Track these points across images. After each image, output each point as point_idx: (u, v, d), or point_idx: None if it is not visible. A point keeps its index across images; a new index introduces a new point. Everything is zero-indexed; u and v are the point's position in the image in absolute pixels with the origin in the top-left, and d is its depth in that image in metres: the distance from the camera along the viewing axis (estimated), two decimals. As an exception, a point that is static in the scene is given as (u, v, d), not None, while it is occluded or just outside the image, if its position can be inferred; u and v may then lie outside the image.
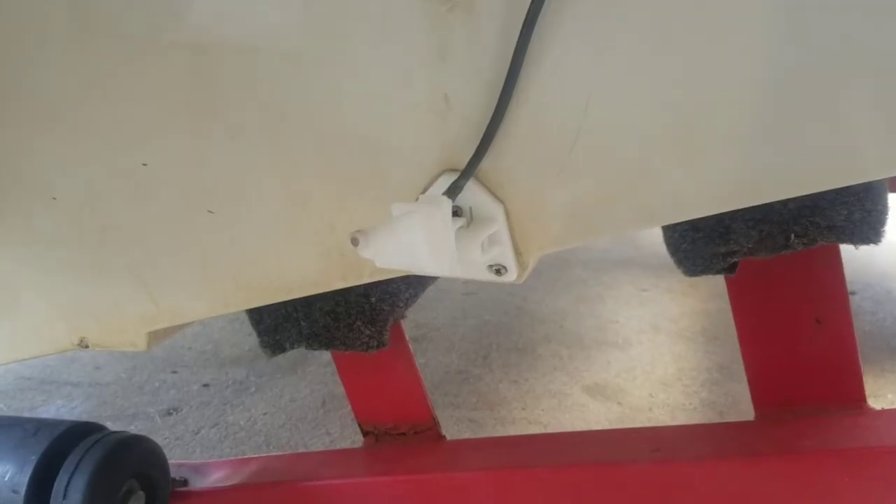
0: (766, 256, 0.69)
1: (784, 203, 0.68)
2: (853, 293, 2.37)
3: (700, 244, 0.71)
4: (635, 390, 1.90)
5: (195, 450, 1.61)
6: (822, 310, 0.76)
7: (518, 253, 0.62)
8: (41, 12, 0.64)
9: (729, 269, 0.73)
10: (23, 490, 0.79)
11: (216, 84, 0.63)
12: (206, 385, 1.90)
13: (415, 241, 0.53)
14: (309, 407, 1.78)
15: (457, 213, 0.61)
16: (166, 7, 0.61)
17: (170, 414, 1.78)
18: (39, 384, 1.94)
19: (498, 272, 0.63)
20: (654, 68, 0.53)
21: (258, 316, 0.88)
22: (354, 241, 0.44)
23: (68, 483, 0.79)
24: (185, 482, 1.00)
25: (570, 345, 2.19)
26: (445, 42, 0.56)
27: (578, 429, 1.69)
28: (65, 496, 0.78)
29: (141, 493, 0.86)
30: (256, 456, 1.03)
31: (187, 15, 0.60)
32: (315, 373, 1.97)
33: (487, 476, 0.82)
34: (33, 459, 0.80)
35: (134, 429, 1.72)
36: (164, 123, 0.65)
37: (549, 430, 1.70)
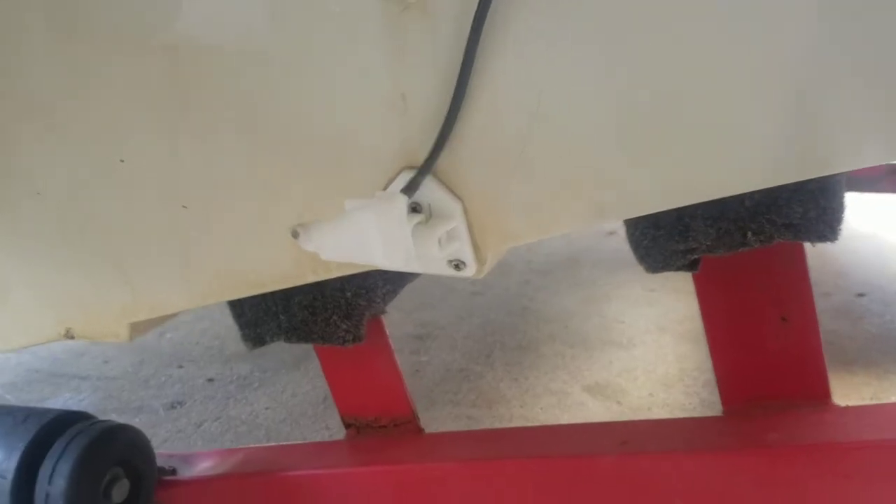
0: (724, 253, 0.70)
1: (741, 201, 0.69)
2: (862, 295, 2.35)
3: (660, 241, 0.72)
4: (636, 390, 1.90)
5: (197, 442, 1.64)
6: (787, 308, 0.76)
7: (476, 248, 0.64)
8: (21, 12, 0.67)
9: (690, 266, 0.74)
10: (10, 476, 0.82)
11: (187, 83, 0.65)
12: (210, 380, 1.94)
13: (366, 236, 0.54)
14: (309, 402, 1.80)
15: (416, 209, 0.62)
16: (138, 7, 0.63)
17: (174, 407, 1.81)
18: (49, 377, 1.99)
19: (457, 267, 0.65)
20: (601, 69, 0.55)
21: (240, 309, 0.90)
22: (295, 234, 0.46)
23: (53, 469, 0.82)
24: (173, 471, 1.03)
25: (573, 344, 2.19)
26: (402, 43, 0.58)
27: (575, 427, 1.70)
28: (50, 481, 0.81)
29: (125, 480, 0.88)
30: (243, 447, 1.05)
31: (156, 15, 0.62)
32: (317, 369, 1.98)
33: (461, 467, 0.84)
34: (21, 446, 0.83)
35: (138, 421, 1.76)
36: (138, 121, 0.68)
37: (544, 427, 1.71)
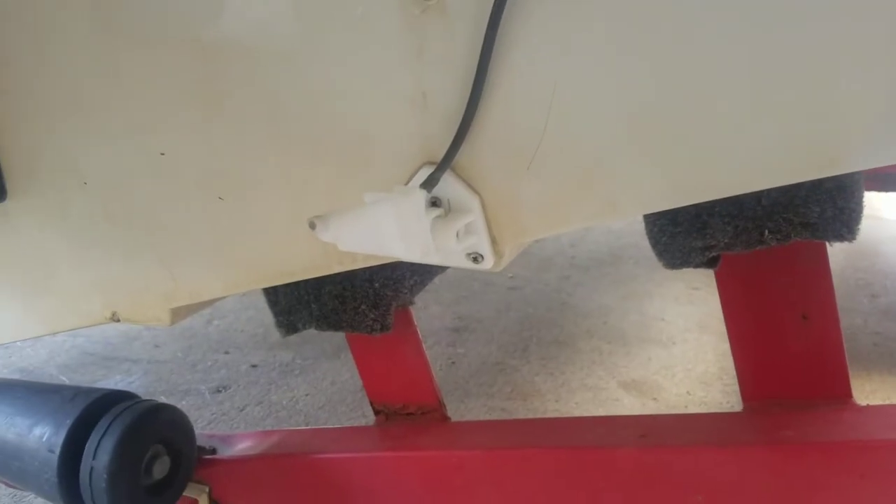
0: (742, 251, 0.71)
1: (758, 199, 0.69)
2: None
3: (679, 238, 0.73)
4: (673, 387, 1.89)
5: (239, 425, 1.71)
6: (808, 306, 0.76)
7: (494, 242, 0.66)
8: (66, 10, 0.71)
9: (709, 263, 0.75)
10: (58, 450, 0.86)
11: (220, 80, 0.69)
12: (254, 366, 2.00)
13: (384, 228, 0.57)
14: (348, 390, 1.85)
15: (435, 203, 0.65)
16: (174, 7, 0.67)
17: (219, 391, 1.88)
18: (102, 360, 2.09)
19: (475, 260, 0.67)
20: (615, 65, 0.56)
21: (274, 297, 0.94)
22: (312, 225, 0.49)
23: (98, 445, 0.86)
24: (213, 451, 1.08)
25: (611, 340, 2.19)
26: (421, 42, 0.60)
27: (609, 422, 1.70)
28: (94, 456, 0.86)
29: (166, 457, 0.93)
30: (279, 430, 1.10)
31: (191, 14, 0.66)
32: (356, 359, 2.04)
33: (482, 455, 0.86)
34: (68, 423, 0.87)
35: (185, 404, 1.84)
36: (176, 116, 0.72)
37: (579, 422, 1.72)
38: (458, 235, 0.64)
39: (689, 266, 0.75)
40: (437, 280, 2.75)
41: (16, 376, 2.03)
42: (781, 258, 0.76)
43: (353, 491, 0.94)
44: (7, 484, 1.10)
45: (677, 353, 2.08)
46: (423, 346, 1.00)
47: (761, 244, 0.70)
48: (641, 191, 0.59)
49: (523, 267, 2.83)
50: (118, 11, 0.69)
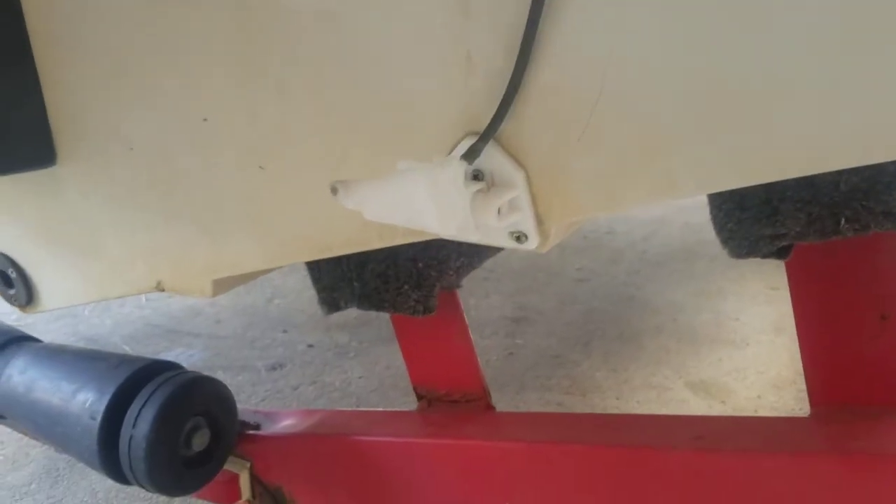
0: (815, 241, 0.63)
1: (835, 184, 0.62)
2: None
3: (746, 224, 0.66)
4: (743, 390, 1.80)
5: (292, 403, 1.71)
6: (888, 305, 0.68)
7: (539, 220, 0.61)
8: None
9: (779, 254, 0.67)
10: (99, 417, 0.87)
11: (262, 40, 0.66)
12: (310, 346, 2.01)
13: (416, 199, 0.53)
14: (401, 375, 1.83)
15: (477, 176, 0.60)
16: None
17: (274, 369, 1.90)
18: (166, 332, 2.14)
19: (518, 239, 0.62)
20: (677, 30, 0.50)
21: (317, 274, 0.92)
22: (334, 191, 0.45)
23: (138, 414, 0.86)
24: (257, 426, 1.07)
25: (680, 339, 2.09)
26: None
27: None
28: (134, 425, 0.86)
29: (206, 430, 0.92)
30: (323, 410, 1.08)
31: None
32: (413, 345, 2.02)
33: (526, 447, 0.81)
34: (111, 390, 0.88)
35: (241, 379, 1.86)
36: (219, 81, 0.70)
37: (641, 421, 1.65)
38: (499, 212, 0.59)
39: (756, 255, 0.68)
40: (498, 269, 2.71)
41: (81, 345, 2.10)
42: (859, 250, 0.68)
43: (391, 475, 0.91)
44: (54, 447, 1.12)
45: (750, 355, 1.97)
46: (469, 332, 0.96)
47: (837, 234, 0.62)
48: (705, 167, 0.53)
49: (592, 259, 2.75)
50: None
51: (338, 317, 2.20)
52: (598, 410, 1.72)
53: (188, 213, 0.80)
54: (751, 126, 0.50)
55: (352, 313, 2.15)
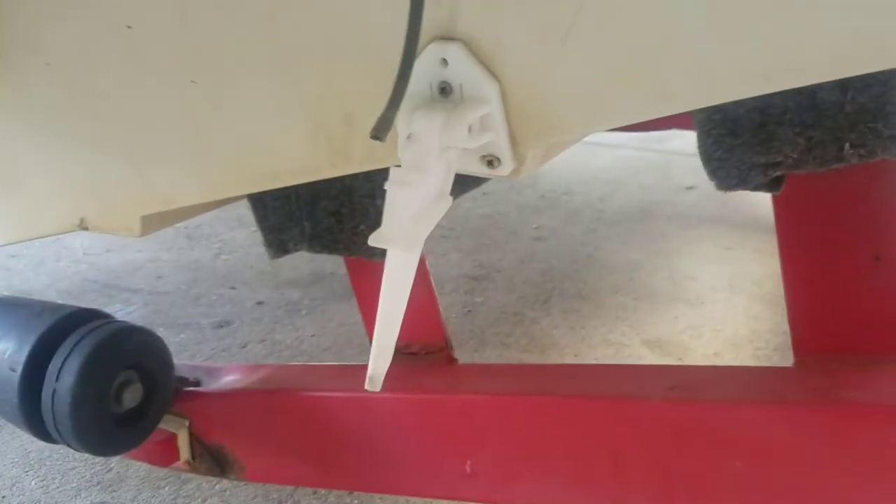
0: (813, 170, 0.58)
1: (840, 106, 0.56)
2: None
3: (738, 152, 0.60)
4: (700, 348, 1.79)
5: (240, 362, 1.63)
6: (883, 245, 0.63)
7: (514, 141, 0.54)
8: None
9: (770, 186, 0.62)
10: (19, 369, 0.78)
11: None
12: (260, 303, 1.92)
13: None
14: (356, 333, 1.76)
15: (444, 89, 0.53)
16: None
17: (221, 327, 1.80)
18: (103, 287, 2.02)
19: (490, 164, 0.55)
20: None
21: (263, 213, 0.84)
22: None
23: (62, 365, 0.78)
24: (197, 383, 0.99)
25: (637, 297, 2.07)
26: None
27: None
28: (58, 378, 0.77)
29: (139, 385, 0.84)
30: (269, 364, 1.01)
31: None
32: (368, 302, 1.95)
33: (490, 400, 0.75)
34: (32, 339, 0.79)
35: (184, 338, 1.76)
36: (144, -21, 0.60)
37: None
38: (470, 131, 0.52)
39: (746, 187, 0.62)
40: (458, 227, 2.63)
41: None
42: (857, 184, 0.63)
43: (346, 433, 0.84)
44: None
45: (706, 313, 1.97)
46: (431, 279, 0.89)
47: (839, 161, 0.57)
48: (704, 74, 0.46)
49: (550, 218, 2.72)
50: None
51: (290, 273, 2.11)
52: (558, 367, 1.68)
53: (113, 139, 0.71)
54: (765, 17, 0.43)
55: (304, 269, 2.08)
